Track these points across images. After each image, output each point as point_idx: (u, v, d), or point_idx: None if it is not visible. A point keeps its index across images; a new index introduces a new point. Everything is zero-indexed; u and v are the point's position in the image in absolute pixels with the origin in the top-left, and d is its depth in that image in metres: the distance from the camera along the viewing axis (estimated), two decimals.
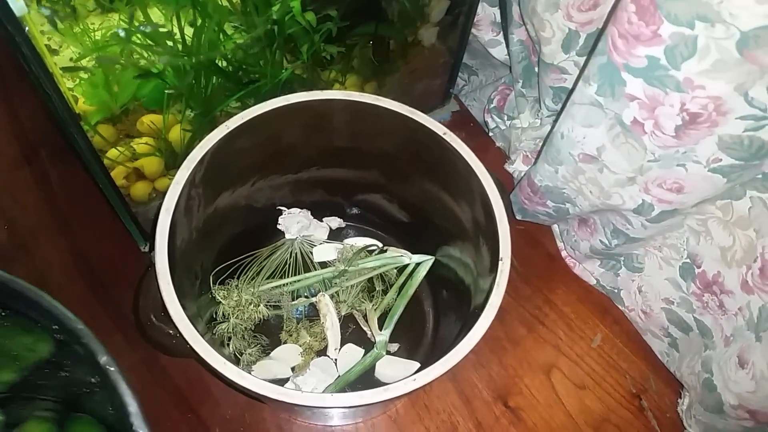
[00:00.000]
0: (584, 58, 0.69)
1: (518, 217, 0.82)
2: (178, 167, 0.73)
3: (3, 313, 0.45)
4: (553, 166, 0.65)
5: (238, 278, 0.71)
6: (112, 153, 0.69)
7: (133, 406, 0.39)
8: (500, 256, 0.55)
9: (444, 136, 0.61)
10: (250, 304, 0.67)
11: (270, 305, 0.72)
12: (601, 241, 0.71)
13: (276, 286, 0.73)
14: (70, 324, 0.41)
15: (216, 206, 0.67)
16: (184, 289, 0.56)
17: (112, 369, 0.40)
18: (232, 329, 0.67)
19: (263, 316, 0.69)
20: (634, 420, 0.75)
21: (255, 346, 0.70)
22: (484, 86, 0.96)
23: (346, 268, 0.73)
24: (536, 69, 0.77)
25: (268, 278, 0.74)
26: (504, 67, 0.93)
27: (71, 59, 0.57)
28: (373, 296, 0.77)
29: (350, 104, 0.64)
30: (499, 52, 0.86)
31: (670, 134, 0.53)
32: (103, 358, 0.40)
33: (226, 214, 0.69)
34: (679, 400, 0.75)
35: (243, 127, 0.63)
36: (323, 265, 0.78)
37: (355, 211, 0.83)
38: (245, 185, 0.70)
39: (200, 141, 0.61)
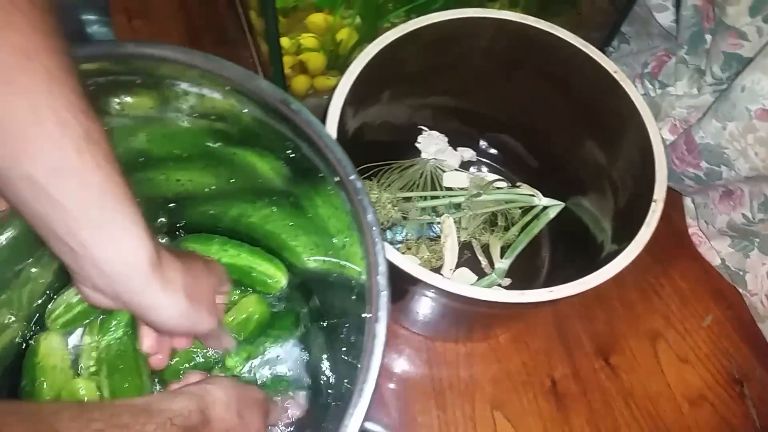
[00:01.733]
0: None
1: None
2: (339, 68, 0.76)
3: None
4: (722, 122, 0.64)
5: (378, 181, 0.74)
6: (284, 41, 0.72)
7: None
8: (654, 197, 0.55)
9: (615, 75, 0.61)
10: (389, 203, 0.69)
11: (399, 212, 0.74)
12: (743, 215, 0.70)
13: (408, 198, 0.76)
14: None
15: (368, 110, 0.69)
16: None
17: None
18: None
19: (393, 219, 0.72)
20: (732, 404, 0.74)
21: None
22: (635, 54, 0.95)
23: (481, 191, 0.74)
24: (706, 36, 0.76)
25: (401, 189, 0.77)
26: (659, 37, 0.91)
27: None
28: (493, 231, 0.78)
29: (521, 27, 0.64)
30: (664, 18, 0.85)
31: None
32: None
33: (375, 120, 0.72)
34: None
35: (413, 35, 0.64)
36: (451, 190, 0.80)
37: (487, 147, 0.84)
38: (395, 96, 0.72)
39: (368, 44, 0.62)
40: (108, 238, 0.36)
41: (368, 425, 0.37)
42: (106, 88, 0.48)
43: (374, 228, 0.41)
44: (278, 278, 0.63)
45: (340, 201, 0.46)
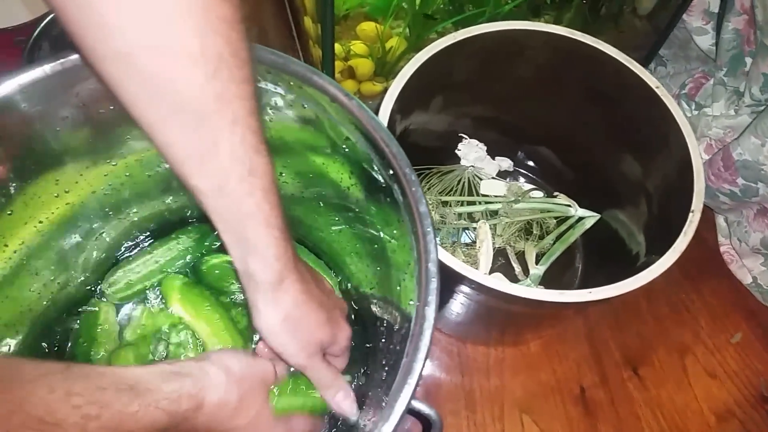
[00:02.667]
0: None
1: None
2: (385, 75, 0.79)
3: None
4: (761, 139, 0.65)
5: None
6: (335, 47, 0.75)
7: None
8: (692, 208, 0.57)
9: (656, 90, 0.63)
10: (428, 205, 0.72)
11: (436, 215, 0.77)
12: None
13: (445, 202, 0.78)
14: None
15: (413, 115, 0.71)
16: None
17: None
18: None
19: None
20: (761, 421, 0.75)
21: None
22: (672, 76, 0.97)
23: (519, 198, 0.76)
24: (746, 59, 0.78)
25: (439, 193, 0.79)
26: (697, 60, 0.93)
27: None
28: (528, 239, 0.80)
29: (566, 41, 0.66)
30: (703, 41, 0.87)
31: None
32: None
33: (419, 125, 0.74)
34: None
35: (461, 45, 0.66)
36: (487, 197, 0.82)
37: (524, 158, 0.86)
38: (440, 104, 0.75)
39: (415, 53, 0.65)
40: (244, 253, 0.42)
41: (415, 404, 0.39)
42: None
43: (426, 218, 0.43)
44: None
45: (396, 205, 0.48)
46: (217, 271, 0.65)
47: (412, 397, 0.37)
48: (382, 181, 0.50)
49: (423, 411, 0.39)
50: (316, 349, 0.49)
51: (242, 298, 0.65)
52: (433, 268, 0.41)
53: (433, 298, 0.40)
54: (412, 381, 0.37)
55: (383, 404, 0.38)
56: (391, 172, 0.47)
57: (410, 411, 0.37)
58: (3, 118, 0.47)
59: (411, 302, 0.45)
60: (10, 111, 0.47)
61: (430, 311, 0.40)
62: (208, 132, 0.38)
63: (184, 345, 0.62)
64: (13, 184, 0.51)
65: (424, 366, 0.38)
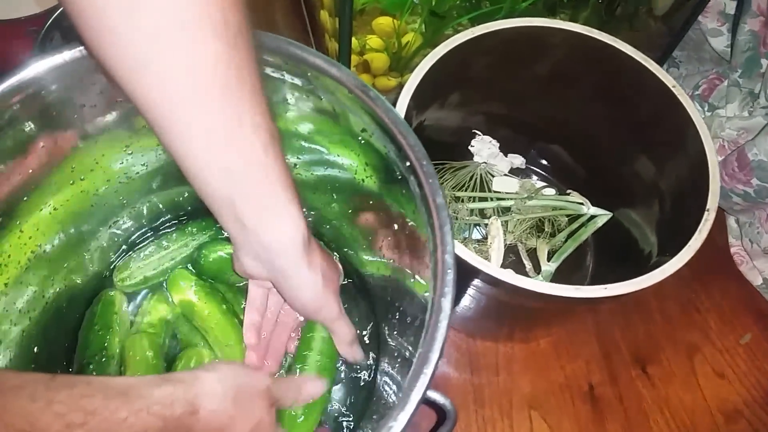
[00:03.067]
0: None
1: None
2: (399, 70, 0.79)
3: None
4: None
5: None
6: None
7: None
8: (707, 207, 0.57)
9: (673, 89, 0.63)
10: None
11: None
12: None
13: (457, 198, 0.78)
14: None
15: (427, 111, 0.72)
16: None
17: None
18: None
19: None
20: None
21: None
22: (685, 77, 0.96)
23: (532, 195, 0.77)
24: (762, 60, 0.78)
25: (452, 188, 0.79)
26: (710, 61, 0.93)
27: None
28: (539, 236, 0.80)
29: (583, 39, 0.66)
30: (718, 43, 0.87)
31: None
32: None
33: (432, 120, 0.74)
34: None
35: (478, 41, 0.66)
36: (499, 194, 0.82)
37: (537, 156, 0.86)
38: (454, 99, 0.75)
39: (430, 49, 0.65)
40: (275, 217, 0.42)
41: (431, 394, 0.39)
42: None
43: (443, 210, 0.44)
44: None
45: (412, 197, 0.48)
46: (216, 264, 0.65)
47: (428, 387, 0.37)
48: (398, 172, 0.50)
49: (438, 401, 0.40)
50: (338, 294, 0.51)
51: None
52: (449, 259, 0.42)
53: (449, 290, 0.40)
54: (428, 371, 0.37)
55: (399, 394, 0.38)
56: (407, 163, 0.47)
57: (425, 401, 0.37)
58: (27, 101, 0.48)
59: (426, 294, 0.46)
60: (32, 96, 0.48)
61: (447, 302, 0.40)
62: (232, 105, 0.38)
63: (193, 333, 0.63)
64: (31, 170, 0.52)
65: (440, 357, 0.38)
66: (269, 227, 0.43)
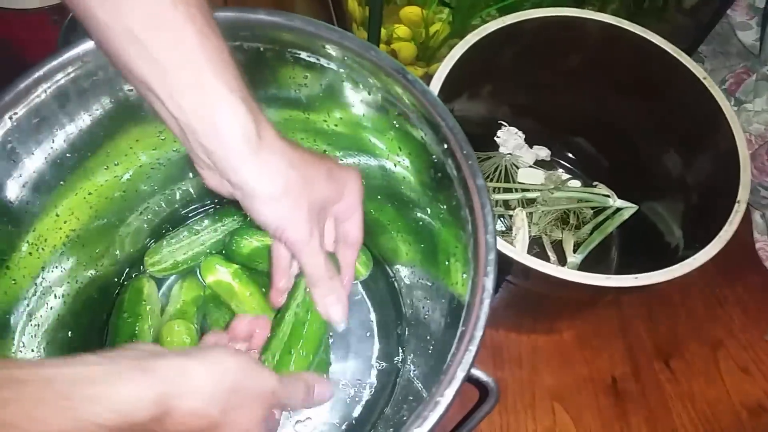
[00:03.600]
0: None
1: None
2: (426, 59, 0.80)
3: None
4: None
5: None
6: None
7: None
8: (738, 199, 0.57)
9: (704, 81, 0.63)
10: None
11: None
12: None
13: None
14: None
15: (455, 100, 0.71)
16: None
17: None
18: None
19: None
20: None
21: None
22: (710, 72, 0.96)
23: (559, 186, 0.77)
24: None
25: None
26: (737, 56, 0.93)
27: None
28: (564, 228, 0.80)
29: (613, 29, 0.66)
30: (746, 37, 0.87)
31: None
32: None
33: (460, 110, 0.74)
34: None
35: (507, 31, 0.66)
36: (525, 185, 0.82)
37: (562, 147, 0.86)
38: (482, 90, 0.75)
39: (458, 39, 0.65)
40: (203, 103, 0.36)
41: (475, 371, 0.39)
42: None
43: (483, 191, 0.44)
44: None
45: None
46: (247, 250, 0.65)
47: (472, 365, 0.37)
48: (434, 156, 0.50)
49: (482, 378, 0.40)
50: (321, 215, 0.43)
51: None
52: (491, 239, 0.42)
53: (492, 269, 0.41)
54: (473, 348, 0.38)
55: (440, 374, 0.38)
56: (445, 146, 0.47)
57: (469, 378, 0.38)
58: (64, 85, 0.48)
59: (464, 275, 0.46)
60: (73, 79, 0.48)
61: (489, 282, 0.40)
62: None
63: (224, 318, 0.63)
64: (68, 154, 0.52)
65: (483, 335, 0.38)
66: (200, 120, 0.36)
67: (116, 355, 0.33)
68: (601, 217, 0.78)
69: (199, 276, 0.65)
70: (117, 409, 0.30)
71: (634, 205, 0.77)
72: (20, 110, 0.46)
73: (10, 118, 0.45)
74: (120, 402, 0.30)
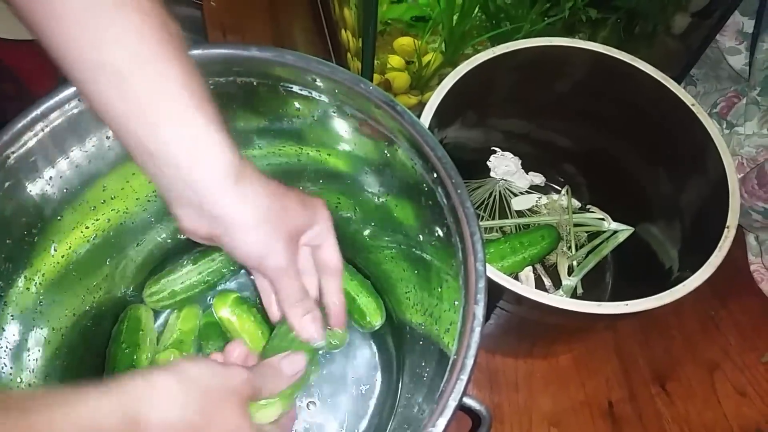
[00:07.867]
0: None
1: None
2: (420, 88, 0.81)
3: None
4: None
5: None
6: None
7: None
8: (727, 224, 0.58)
9: (692, 107, 0.64)
10: None
11: None
12: None
13: (478, 215, 0.79)
14: None
15: (448, 128, 0.72)
16: None
17: None
18: None
19: None
20: None
21: None
22: (702, 95, 0.98)
23: (550, 211, 0.77)
24: None
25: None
26: (728, 80, 0.94)
27: None
28: (560, 252, 0.81)
29: (603, 58, 0.67)
30: (736, 61, 0.88)
31: None
32: None
33: (452, 138, 0.75)
34: None
35: (500, 60, 0.67)
36: (519, 213, 0.83)
37: (557, 173, 0.87)
38: (474, 117, 0.76)
39: (451, 67, 0.66)
40: (187, 138, 0.36)
41: (468, 400, 0.39)
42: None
43: (473, 219, 0.44)
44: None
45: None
46: None
47: (464, 393, 0.38)
48: (425, 184, 0.51)
49: (474, 407, 0.40)
50: (295, 244, 0.44)
51: None
52: (481, 267, 0.42)
53: (482, 297, 0.41)
54: (464, 377, 0.38)
55: (433, 402, 0.38)
56: (435, 175, 0.48)
57: (461, 407, 0.38)
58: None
59: (455, 303, 0.46)
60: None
61: (479, 310, 0.41)
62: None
63: (220, 348, 0.63)
64: (65, 188, 0.53)
65: (475, 364, 0.39)
66: (184, 155, 0.36)
67: (70, 389, 0.32)
68: (596, 241, 0.78)
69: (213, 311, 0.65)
70: (81, 426, 0.30)
71: (629, 228, 0.78)
72: (17, 149, 0.47)
73: (8, 156, 0.46)
74: (85, 420, 0.30)
